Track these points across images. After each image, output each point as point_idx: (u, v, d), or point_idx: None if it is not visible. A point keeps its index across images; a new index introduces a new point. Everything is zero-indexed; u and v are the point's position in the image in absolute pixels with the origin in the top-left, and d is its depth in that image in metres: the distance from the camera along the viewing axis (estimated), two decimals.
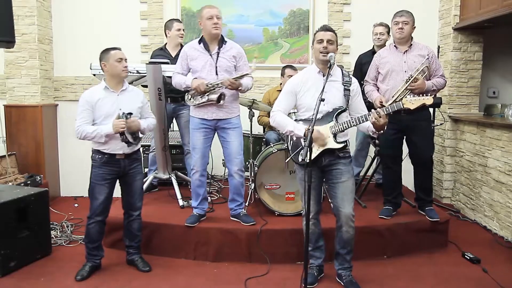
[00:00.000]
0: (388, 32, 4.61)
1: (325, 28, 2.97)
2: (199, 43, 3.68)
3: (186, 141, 4.63)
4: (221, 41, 3.66)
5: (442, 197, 5.31)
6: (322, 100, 2.72)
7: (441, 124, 5.06)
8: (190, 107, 3.77)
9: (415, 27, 3.85)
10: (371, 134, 3.02)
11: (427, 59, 3.74)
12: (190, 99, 3.71)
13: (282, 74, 4.74)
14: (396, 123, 3.81)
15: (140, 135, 3.35)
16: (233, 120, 3.71)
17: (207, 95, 3.58)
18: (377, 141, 4.38)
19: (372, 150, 4.80)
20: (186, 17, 5.54)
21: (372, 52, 4.71)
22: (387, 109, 2.86)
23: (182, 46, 4.66)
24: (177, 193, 4.31)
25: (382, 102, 3.73)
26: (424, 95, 2.95)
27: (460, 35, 5.15)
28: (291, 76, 4.54)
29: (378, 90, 3.93)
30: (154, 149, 4.60)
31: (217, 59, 3.62)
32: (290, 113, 3.20)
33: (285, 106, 3.08)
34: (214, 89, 3.58)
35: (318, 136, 2.90)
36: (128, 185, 3.40)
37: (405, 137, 3.95)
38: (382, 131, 2.92)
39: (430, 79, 3.78)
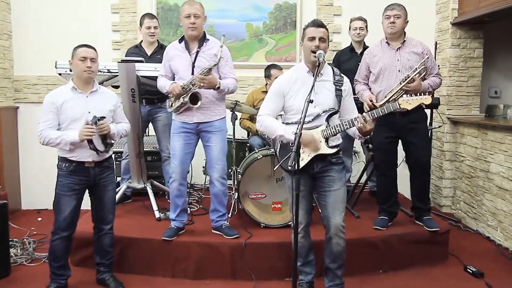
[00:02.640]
0: (367, 27, 4.71)
1: (317, 24, 2.98)
2: (180, 42, 3.72)
3: (164, 147, 4.64)
4: (202, 40, 3.69)
5: (441, 205, 5.37)
6: (311, 101, 2.74)
7: (439, 126, 5.14)
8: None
9: (408, 21, 3.90)
10: (357, 138, 3.09)
11: (428, 58, 3.81)
12: (171, 105, 3.74)
13: (268, 76, 4.78)
14: (390, 126, 3.87)
15: (112, 141, 3.33)
16: (216, 123, 3.73)
17: (183, 97, 3.61)
18: (370, 146, 4.43)
19: (364, 155, 4.84)
20: (162, 11, 5.56)
21: (351, 48, 4.80)
22: (373, 114, 2.88)
23: (159, 43, 4.69)
24: (153, 204, 4.30)
25: (372, 101, 3.80)
26: (422, 94, 2.99)
27: (459, 31, 5.23)
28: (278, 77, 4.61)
29: (370, 91, 4.00)
30: (127, 155, 4.59)
31: (195, 58, 3.65)
32: (277, 115, 3.21)
33: (273, 108, 3.08)
34: (189, 90, 3.59)
35: (311, 140, 2.91)
36: (99, 196, 3.37)
37: (400, 141, 4.01)
38: (368, 136, 3.00)
39: (425, 79, 3.85)
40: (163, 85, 3.74)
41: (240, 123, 4.87)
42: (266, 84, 4.89)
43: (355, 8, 5.45)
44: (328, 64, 3.14)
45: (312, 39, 2.94)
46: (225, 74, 3.69)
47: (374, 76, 3.93)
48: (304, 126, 2.77)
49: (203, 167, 4.84)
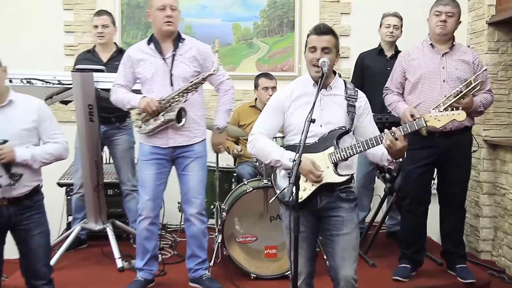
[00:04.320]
0: (402, 26, 4.77)
1: (320, 31, 2.93)
2: (148, 44, 3.72)
3: (125, 178, 4.63)
4: (177, 40, 3.71)
5: (479, 251, 5.33)
6: (313, 121, 2.73)
7: (474, 151, 5.14)
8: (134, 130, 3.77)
9: (460, 21, 3.93)
10: (386, 164, 2.99)
11: (485, 70, 3.84)
12: (140, 127, 3.71)
13: (256, 86, 4.83)
14: (427, 150, 3.88)
15: (18, 173, 3.13)
16: (196, 147, 3.74)
17: (162, 115, 3.59)
18: (387, 175, 4.43)
19: (380, 186, 4.83)
20: (128, 8, 5.61)
21: (379, 50, 4.84)
22: (405, 128, 2.84)
23: (117, 47, 4.71)
24: (115, 251, 4.26)
25: (414, 116, 3.73)
26: (455, 109, 2.97)
27: (497, 32, 5.23)
28: (267, 88, 4.65)
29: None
30: (79, 189, 4.57)
31: (172, 63, 3.66)
32: (276, 137, 3.21)
33: (269, 127, 3.06)
34: (170, 105, 3.58)
35: (309, 168, 2.87)
36: (23, 243, 3.23)
37: (436, 168, 4.03)
38: (401, 159, 2.93)
39: (474, 95, 3.85)
40: (126, 99, 3.69)
41: None
42: (255, 99, 4.93)
43: (368, 6, 5.52)
44: (343, 80, 3.11)
45: (313, 50, 2.92)
46: (219, 78, 3.76)
47: (411, 84, 3.93)
48: (306, 150, 2.78)
49: (178, 202, 4.81)
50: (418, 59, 3.95)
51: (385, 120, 4.14)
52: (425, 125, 2.89)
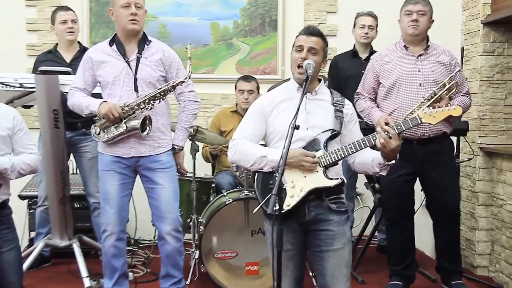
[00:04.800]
0: (377, 26, 4.82)
1: (309, 31, 2.98)
2: (110, 45, 3.69)
3: (93, 190, 4.55)
4: (143, 41, 3.68)
5: (475, 266, 5.34)
6: (296, 128, 2.70)
7: (468, 159, 5.15)
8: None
9: (433, 20, 3.95)
10: (377, 170, 2.97)
11: (459, 71, 3.86)
12: (99, 133, 3.66)
13: (235, 89, 4.84)
14: (405, 159, 3.86)
15: None
16: (162, 157, 3.70)
17: (125, 122, 3.55)
18: (377, 185, 4.42)
19: (369, 198, 4.82)
20: (97, 5, 5.58)
21: (353, 52, 4.86)
22: (399, 126, 2.86)
23: (81, 46, 4.67)
24: (82, 269, 4.19)
25: (389, 124, 3.75)
26: (450, 104, 2.96)
27: (493, 32, 5.24)
28: (242, 91, 4.64)
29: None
30: (44, 201, 4.52)
31: (136, 67, 3.62)
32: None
33: (251, 133, 3.04)
34: (134, 112, 3.55)
35: (300, 153, 2.85)
36: None
37: (418, 178, 4.03)
38: (393, 161, 2.89)
39: (452, 98, 3.88)
40: (84, 103, 3.64)
41: (202, 154, 4.86)
42: (236, 103, 4.91)
43: (355, 3, 5.52)
44: (329, 88, 3.12)
45: (300, 49, 2.93)
46: (180, 88, 3.70)
47: (385, 90, 3.95)
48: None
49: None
50: (392, 62, 3.97)
51: (373, 126, 4.14)
52: (420, 122, 2.91)
